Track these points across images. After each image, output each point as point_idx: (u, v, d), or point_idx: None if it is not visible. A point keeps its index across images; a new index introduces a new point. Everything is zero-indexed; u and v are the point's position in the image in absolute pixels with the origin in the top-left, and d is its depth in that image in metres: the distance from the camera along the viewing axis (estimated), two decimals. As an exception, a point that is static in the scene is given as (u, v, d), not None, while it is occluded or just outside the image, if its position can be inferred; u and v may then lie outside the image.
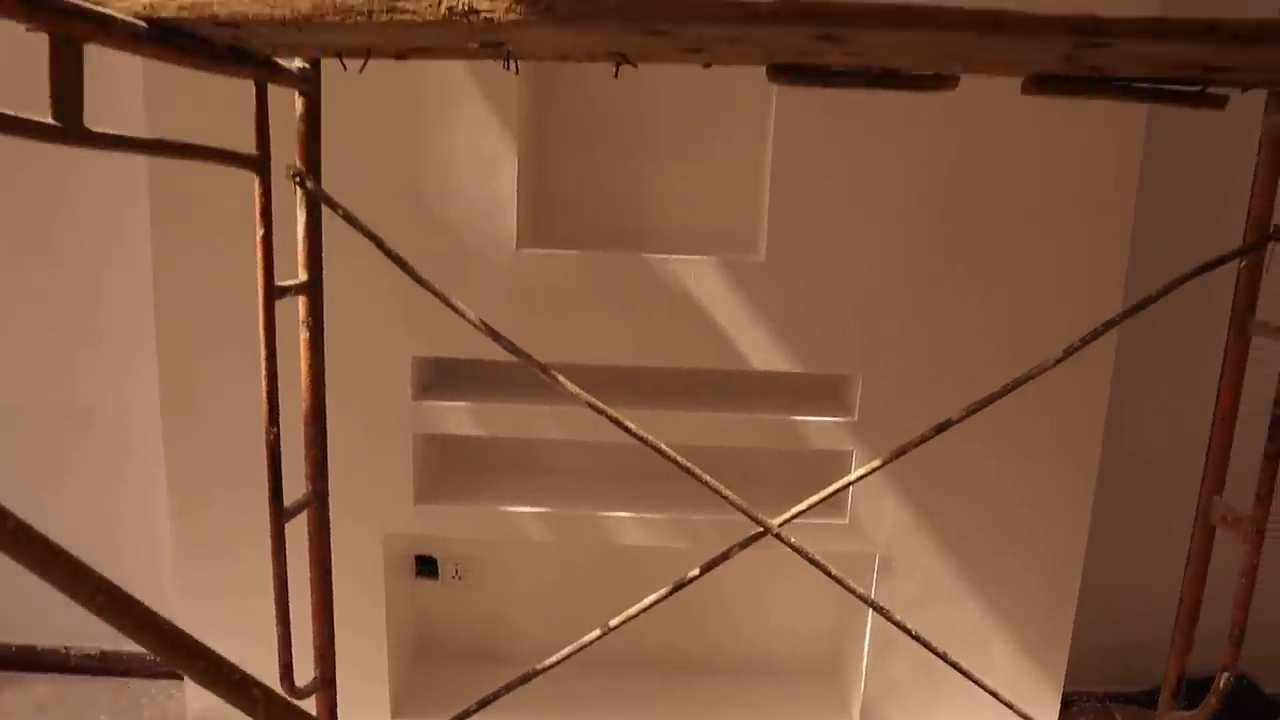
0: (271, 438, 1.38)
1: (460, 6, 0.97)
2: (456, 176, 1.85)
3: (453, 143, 1.84)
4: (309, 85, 1.38)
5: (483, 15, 0.96)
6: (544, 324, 1.89)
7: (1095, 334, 1.50)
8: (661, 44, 1.06)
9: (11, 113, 0.85)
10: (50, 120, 0.90)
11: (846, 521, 2.00)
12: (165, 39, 1.01)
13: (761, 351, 1.91)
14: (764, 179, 1.92)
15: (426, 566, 2.26)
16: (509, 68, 1.19)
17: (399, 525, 2.00)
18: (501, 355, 1.50)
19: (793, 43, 1.03)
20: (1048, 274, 1.91)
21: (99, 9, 0.94)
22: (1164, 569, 2.24)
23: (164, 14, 1.00)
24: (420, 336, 1.90)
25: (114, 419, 2.23)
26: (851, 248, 1.88)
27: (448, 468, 2.16)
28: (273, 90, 1.28)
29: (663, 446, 1.41)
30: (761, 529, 1.52)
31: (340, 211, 1.37)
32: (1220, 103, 1.21)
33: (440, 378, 2.10)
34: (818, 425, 1.95)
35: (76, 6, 0.89)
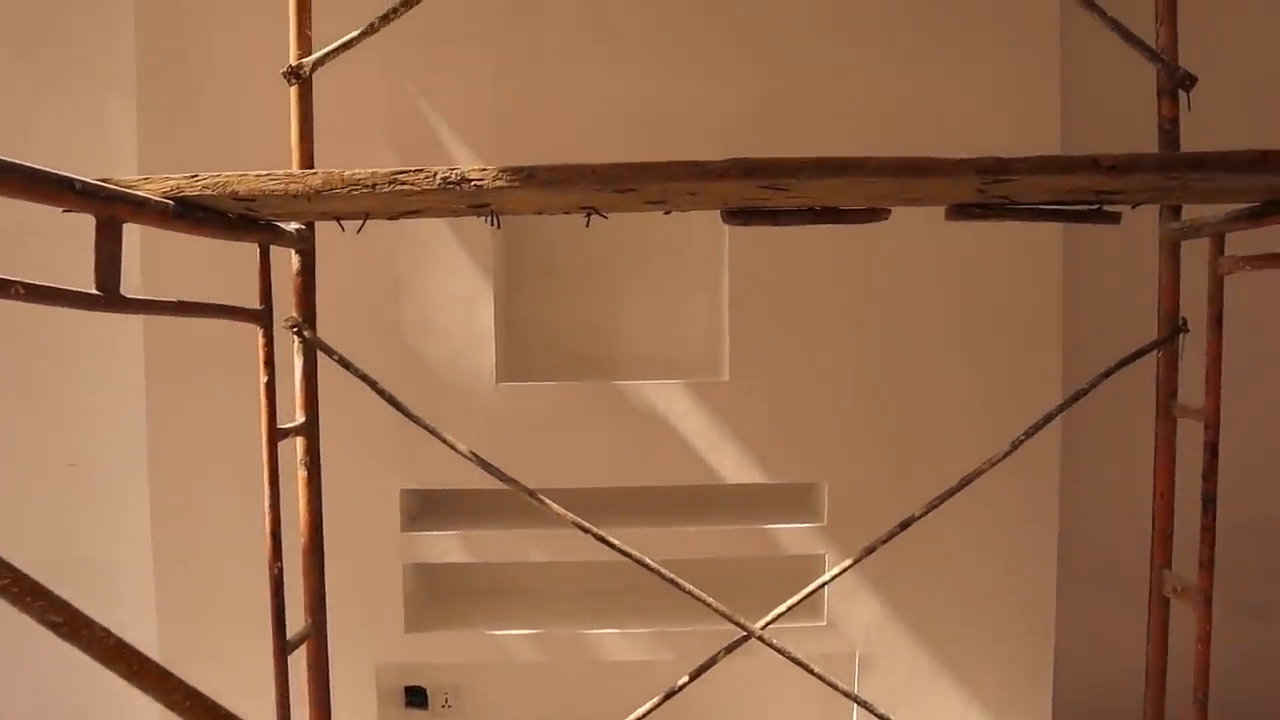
0: (275, 572, 1.44)
1: (454, 177, 1.10)
2: (437, 318, 1.97)
3: (433, 287, 1.97)
4: (305, 244, 1.50)
5: (473, 183, 1.09)
6: (525, 452, 1.98)
7: (1037, 426, 1.63)
8: (628, 199, 1.20)
9: (58, 285, 0.95)
10: (93, 290, 1.00)
11: (824, 623, 2.07)
12: (188, 214, 1.13)
13: (731, 466, 2.02)
14: (723, 305, 2.06)
15: (416, 697, 2.27)
16: (491, 224, 1.33)
17: (391, 655, 2.03)
18: (485, 484, 1.58)
19: (743, 193, 1.18)
20: (991, 374, 2.05)
21: (137, 193, 1.06)
22: (1133, 640, 2.32)
23: (189, 193, 1.12)
24: (407, 470, 1.99)
25: (104, 567, 2.25)
26: (809, 363, 2.02)
27: (437, 595, 2.20)
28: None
29: (648, 560, 1.49)
30: (745, 633, 1.59)
31: (336, 356, 1.47)
32: (1115, 219, 1.37)
33: (427, 508, 2.17)
34: (789, 532, 2.04)
35: (120, 192, 1.01)
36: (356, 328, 1.93)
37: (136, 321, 2.02)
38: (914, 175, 1.13)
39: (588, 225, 1.34)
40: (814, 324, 2.02)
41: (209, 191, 1.13)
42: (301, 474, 1.57)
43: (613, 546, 1.51)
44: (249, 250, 1.35)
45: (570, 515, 1.50)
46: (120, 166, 2.03)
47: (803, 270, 2.01)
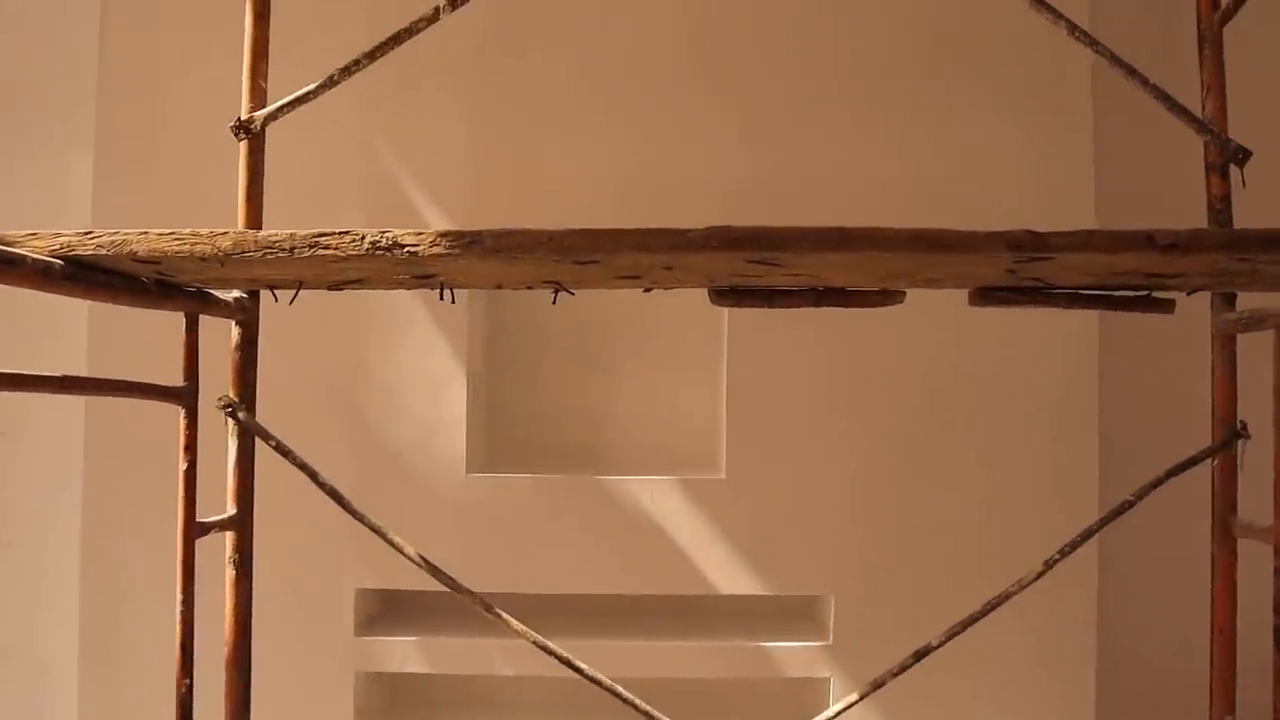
0: (183, 690, 1.26)
1: (385, 242, 0.94)
2: (403, 399, 1.81)
3: (400, 364, 1.81)
4: (245, 315, 1.35)
5: (406, 249, 0.94)
6: (496, 551, 1.80)
7: (1074, 544, 1.43)
8: (596, 272, 1.04)
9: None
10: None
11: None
12: (83, 277, 0.98)
13: (726, 574, 1.82)
14: (720, 393, 1.89)
15: (369, 825, 2.03)
16: (443, 299, 1.17)
17: (337, 778, 1.81)
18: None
19: (729, 268, 1.01)
20: (1019, 475, 1.86)
21: (7, 249, 0.90)
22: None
23: (81, 252, 0.97)
24: (364, 566, 1.80)
25: (29, 659, 2.06)
26: (815, 461, 1.83)
27: (393, 709, 1.98)
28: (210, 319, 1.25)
29: (619, 689, 1.29)
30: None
31: (272, 443, 1.31)
32: (1168, 307, 1.20)
33: (386, 610, 1.97)
34: (790, 652, 1.83)
35: (-23, 248, 0.85)
36: (315, 410, 1.77)
37: (79, 402, 1.87)
38: (933, 251, 0.97)
39: (554, 302, 1.17)
40: (821, 416, 1.83)
41: (103, 251, 0.97)
42: (230, 573, 1.39)
43: (579, 671, 1.32)
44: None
45: (529, 632, 1.31)
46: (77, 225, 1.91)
47: (810, 356, 1.84)
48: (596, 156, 1.84)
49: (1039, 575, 1.41)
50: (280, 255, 0.95)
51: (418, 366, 1.81)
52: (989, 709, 1.85)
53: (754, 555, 1.82)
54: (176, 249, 0.96)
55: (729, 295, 1.20)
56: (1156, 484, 1.38)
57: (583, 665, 1.32)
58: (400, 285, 1.17)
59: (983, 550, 1.84)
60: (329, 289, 1.19)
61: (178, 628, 1.22)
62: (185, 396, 1.26)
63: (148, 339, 1.74)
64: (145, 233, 0.96)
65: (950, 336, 1.86)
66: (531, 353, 2.05)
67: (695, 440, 2.01)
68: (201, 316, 1.24)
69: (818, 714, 1.89)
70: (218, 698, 1.30)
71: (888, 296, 1.25)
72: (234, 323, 1.36)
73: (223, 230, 0.97)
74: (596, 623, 1.88)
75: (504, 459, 2.00)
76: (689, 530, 1.81)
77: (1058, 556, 1.42)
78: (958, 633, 1.44)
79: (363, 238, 0.95)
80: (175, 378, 1.21)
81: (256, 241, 0.96)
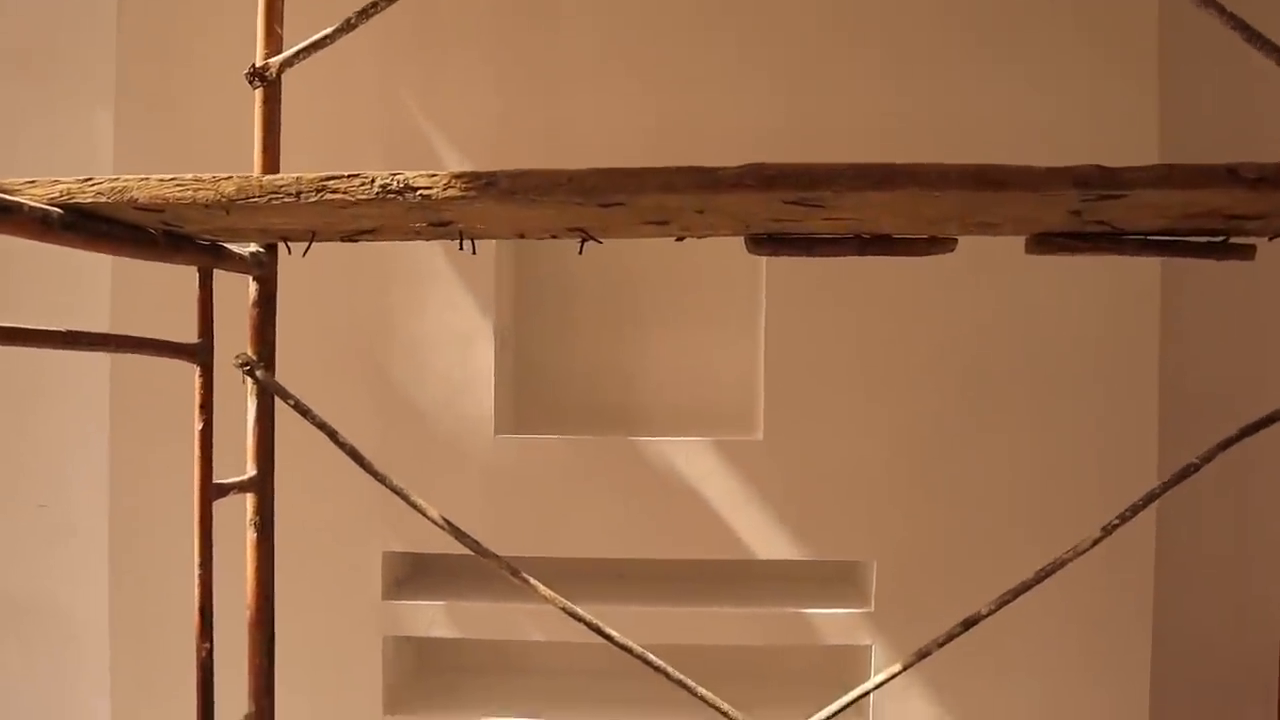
0: (204, 654, 1.24)
1: (395, 184, 0.89)
2: (429, 357, 1.76)
3: (424, 321, 1.76)
4: (263, 269, 1.30)
5: (419, 193, 0.88)
6: (525, 514, 1.76)
7: (1135, 508, 1.35)
8: (622, 216, 0.97)
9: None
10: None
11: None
12: (83, 227, 0.93)
13: (764, 538, 1.76)
14: (758, 350, 1.82)
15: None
16: (463, 249, 1.11)
17: (367, 743, 1.79)
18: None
19: (765, 210, 0.94)
20: (1072, 434, 1.77)
21: (4, 197, 0.86)
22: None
23: (80, 199, 0.92)
24: (392, 530, 1.77)
25: (63, 619, 2.07)
26: (858, 420, 1.76)
27: (421, 673, 1.96)
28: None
29: (647, 655, 1.24)
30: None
31: (291, 401, 1.27)
32: (1248, 253, 1.11)
33: (414, 573, 1.94)
34: (830, 618, 1.77)
35: (-34, 194, 0.81)
36: (337, 368, 1.73)
37: (104, 361, 1.85)
38: (987, 189, 0.89)
39: (580, 252, 1.11)
40: (863, 374, 1.76)
41: (103, 198, 0.92)
42: (250, 536, 1.36)
43: (606, 636, 1.27)
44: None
45: (556, 597, 1.26)
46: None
47: (851, 311, 1.76)
48: (624, 105, 1.76)
49: (1096, 541, 1.33)
50: (287, 200, 0.90)
51: (443, 322, 1.76)
52: (1037, 681, 1.78)
53: (793, 519, 1.76)
54: (178, 195, 0.92)
55: (766, 243, 1.12)
56: (1227, 444, 1.29)
57: (611, 631, 1.27)
58: (417, 235, 1.11)
59: (1032, 515, 1.77)
60: (343, 240, 1.13)
61: (196, 591, 1.20)
62: (200, 354, 1.22)
63: (171, 297, 1.72)
64: (146, 178, 0.92)
65: (1000, 290, 1.77)
66: (561, 307, 1.99)
67: (731, 399, 1.94)
68: (219, 273, 1.20)
69: (858, 683, 1.84)
70: (244, 662, 1.27)
71: (936, 244, 1.17)
72: (251, 278, 1.31)
73: (226, 175, 0.92)
74: (628, 588, 1.84)
75: (533, 419, 1.95)
76: (725, 493, 1.75)
77: (1117, 521, 1.33)
78: (1008, 600, 1.37)
79: (372, 181, 0.89)
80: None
81: (261, 186, 0.90)
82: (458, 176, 0.88)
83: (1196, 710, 2.06)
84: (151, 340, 1.14)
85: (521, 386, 1.97)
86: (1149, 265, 1.78)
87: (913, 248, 1.16)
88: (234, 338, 1.23)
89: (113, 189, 0.91)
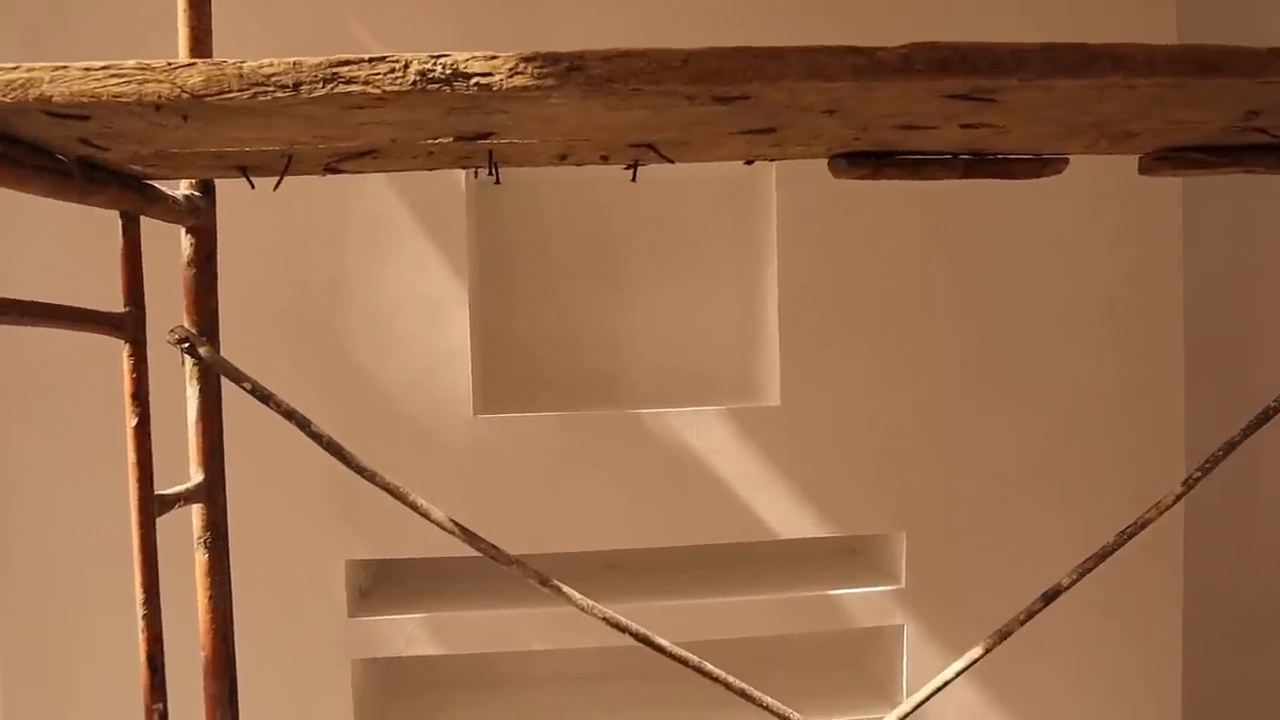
0: (156, 718, 0.97)
1: (439, 70, 0.63)
2: (395, 328, 1.49)
3: (388, 285, 1.48)
4: (199, 219, 1.03)
5: (474, 82, 0.63)
6: (514, 504, 1.52)
7: (1215, 460, 1.21)
8: (723, 120, 0.74)
9: None
10: None
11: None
12: (-33, 145, 0.65)
13: (783, 515, 1.57)
14: (770, 305, 1.61)
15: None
16: (489, 176, 0.87)
17: (336, 781, 1.53)
18: (461, 549, 1.14)
19: (922, 106, 0.72)
20: (1099, 394, 1.65)
21: None
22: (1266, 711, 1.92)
23: (-37, 101, 0.64)
24: (353, 534, 1.49)
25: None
26: (883, 381, 1.59)
27: (400, 697, 1.71)
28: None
29: (685, 654, 1.04)
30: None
31: (247, 384, 0.99)
32: None
33: (382, 582, 1.67)
34: (859, 599, 1.59)
35: None
36: (282, 343, 1.44)
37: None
38: (1199, 74, 0.70)
39: (634, 179, 0.87)
40: (890, 330, 1.58)
41: (3, 97, 0.64)
42: (200, 558, 1.10)
43: (660, 649, 1.05)
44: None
45: (595, 606, 1.03)
46: None
47: (873, 258, 1.57)
48: (602, 24, 1.51)
49: (1179, 496, 1.18)
50: (279, 96, 0.64)
51: (410, 287, 1.49)
52: (1075, 644, 1.65)
53: (814, 492, 1.57)
54: (116, 92, 0.64)
55: (864, 163, 0.91)
56: None
57: (661, 640, 1.06)
58: (429, 161, 0.86)
59: (1065, 473, 1.64)
60: (326, 170, 0.87)
61: (141, 640, 0.93)
62: (127, 326, 0.94)
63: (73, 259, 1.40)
64: (64, 68, 0.64)
65: (1022, 239, 1.63)
66: (542, 269, 1.74)
67: (739, 363, 1.74)
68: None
69: (890, 665, 1.68)
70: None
71: (1048, 165, 0.99)
72: (185, 230, 1.04)
73: (188, 61, 0.64)
74: (637, 582, 1.63)
75: (517, 395, 1.71)
76: (739, 468, 1.55)
77: (1198, 474, 1.20)
78: (1090, 568, 1.21)
79: (405, 66, 0.64)
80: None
81: (241, 76, 0.64)
82: (527, 59, 0.63)
83: (1227, 661, 1.98)
84: (66, 308, 0.85)
85: (503, 359, 1.72)
86: (1171, 204, 1.66)
87: (1024, 169, 0.98)
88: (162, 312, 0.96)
89: (10, 83, 0.64)
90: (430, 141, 0.79)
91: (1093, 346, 1.64)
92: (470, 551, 1.16)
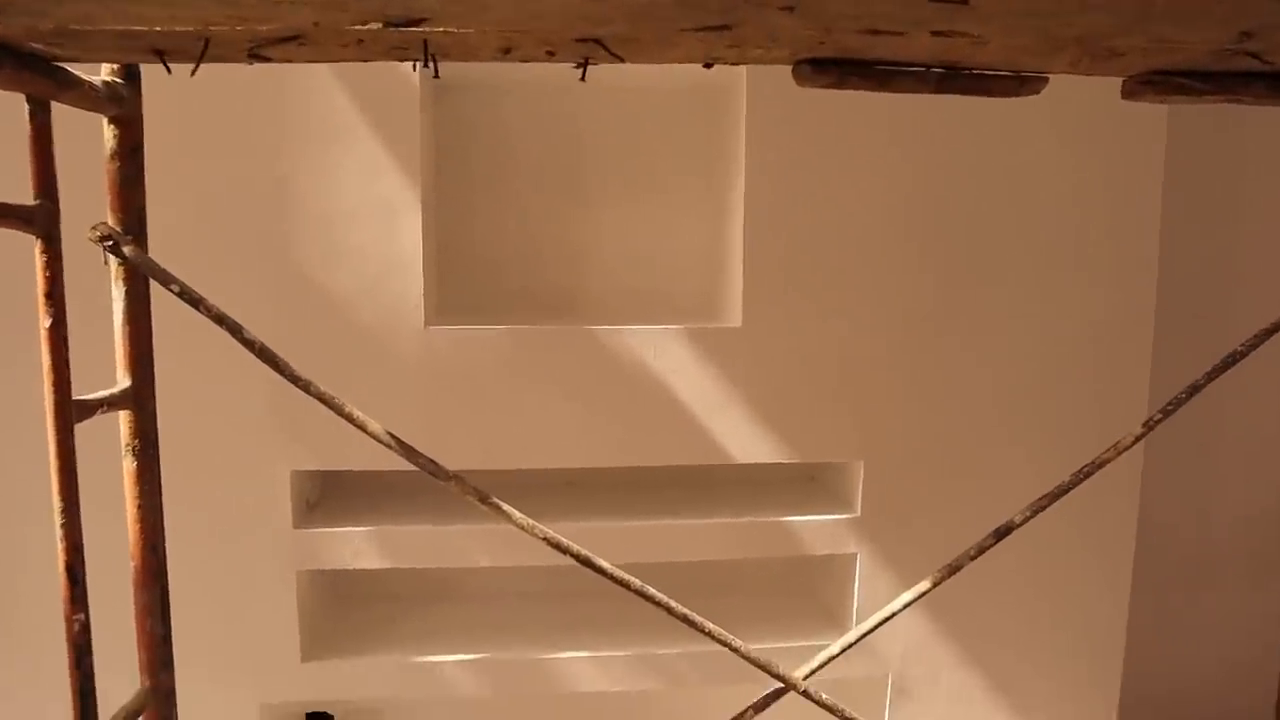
0: (76, 629, 0.94)
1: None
2: (343, 233, 1.43)
3: (337, 188, 1.42)
4: (122, 107, 0.96)
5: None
6: (465, 419, 1.49)
7: (1178, 402, 1.20)
8: (671, 12, 0.68)
9: None
10: None
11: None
12: None
13: (740, 440, 1.55)
14: (735, 224, 1.57)
15: (319, 727, 1.77)
16: (426, 67, 0.80)
17: (281, 691, 1.53)
18: (406, 463, 1.11)
19: (880, 7, 0.67)
20: (1069, 324, 1.62)
21: None
22: (1206, 651, 1.95)
23: None
24: (301, 444, 1.46)
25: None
26: (845, 304, 1.56)
27: (345, 610, 1.69)
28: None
29: (630, 579, 1.02)
30: (780, 683, 1.13)
31: (175, 288, 0.94)
32: None
33: (330, 493, 1.64)
34: (813, 526, 1.58)
35: None
36: (227, 248, 1.38)
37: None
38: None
39: (583, 78, 0.82)
40: (854, 252, 1.54)
41: None
42: (129, 465, 1.07)
43: (579, 558, 1.04)
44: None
45: (536, 525, 1.01)
46: None
47: (843, 176, 1.52)
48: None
49: (1138, 438, 1.17)
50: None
51: (360, 190, 1.42)
52: (1023, 578, 1.66)
53: (772, 417, 1.55)
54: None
55: (827, 70, 0.86)
56: (1264, 336, 1.15)
57: (602, 563, 1.04)
58: (361, 51, 0.80)
59: (1028, 409, 1.62)
60: (251, 57, 0.80)
61: (60, 550, 0.89)
62: (38, 220, 0.88)
63: None
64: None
65: (998, 164, 1.57)
66: (498, 174, 1.67)
67: (702, 282, 1.70)
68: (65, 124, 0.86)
69: (841, 593, 1.68)
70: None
71: (1025, 84, 0.94)
72: (107, 121, 0.97)
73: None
74: (589, 502, 1.61)
75: (471, 306, 1.66)
76: (698, 389, 1.52)
77: (1159, 416, 1.18)
78: (1043, 507, 1.20)
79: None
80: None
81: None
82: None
83: (1168, 603, 2.01)
84: (-34, 199, 0.79)
85: (456, 268, 1.66)
86: (1154, 135, 1.61)
87: (1001, 86, 0.92)
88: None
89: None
90: (358, 27, 0.73)
91: (1065, 279, 1.61)
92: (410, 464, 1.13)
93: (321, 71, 1.39)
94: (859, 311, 1.55)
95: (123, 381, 1.00)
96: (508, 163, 1.66)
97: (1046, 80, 0.94)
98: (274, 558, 1.47)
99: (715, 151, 1.64)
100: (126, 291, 0.99)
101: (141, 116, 0.97)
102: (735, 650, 1.07)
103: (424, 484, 1.58)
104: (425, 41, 0.76)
